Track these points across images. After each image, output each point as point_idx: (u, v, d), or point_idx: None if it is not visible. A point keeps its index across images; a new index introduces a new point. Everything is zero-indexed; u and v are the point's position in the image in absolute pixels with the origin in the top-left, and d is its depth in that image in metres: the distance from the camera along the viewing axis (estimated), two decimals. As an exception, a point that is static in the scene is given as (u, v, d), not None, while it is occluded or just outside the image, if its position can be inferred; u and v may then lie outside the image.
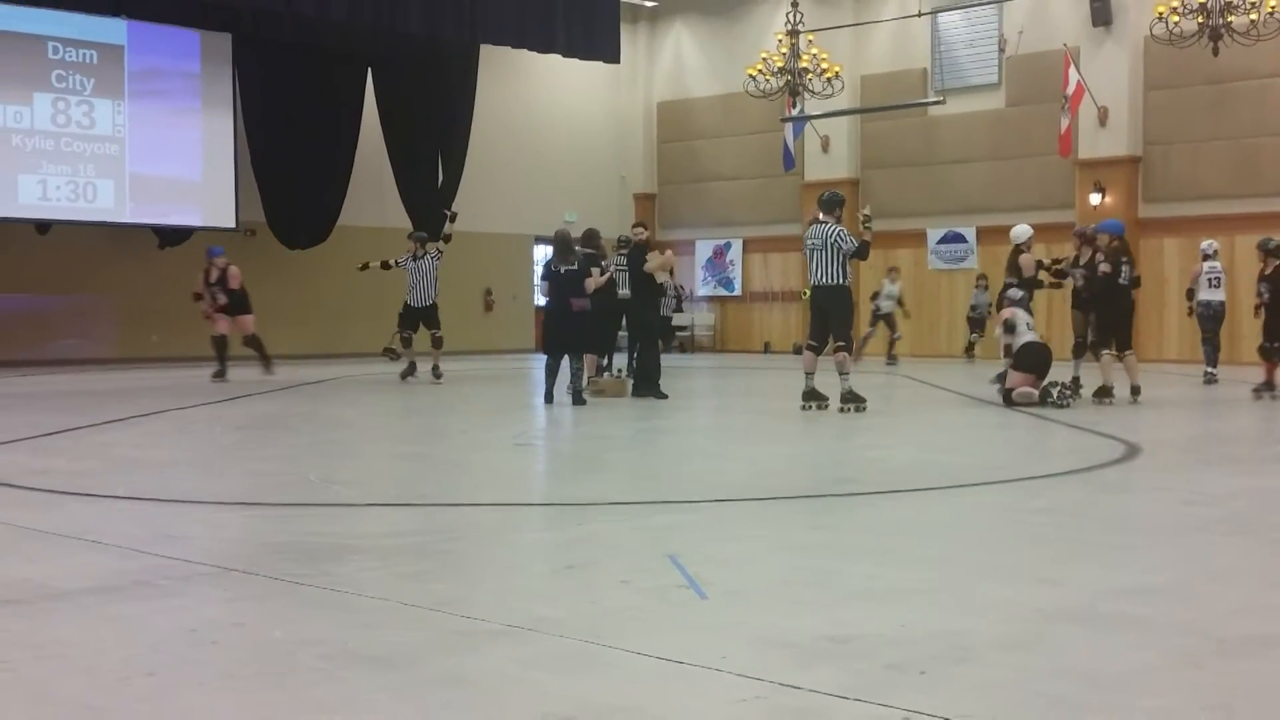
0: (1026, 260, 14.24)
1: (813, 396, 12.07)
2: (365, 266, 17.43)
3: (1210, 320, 15.70)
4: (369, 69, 23.84)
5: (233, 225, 22.07)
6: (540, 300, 27.92)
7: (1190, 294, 15.73)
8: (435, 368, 16.62)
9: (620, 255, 14.65)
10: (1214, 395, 14.45)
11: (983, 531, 6.10)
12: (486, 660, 3.68)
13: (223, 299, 16.71)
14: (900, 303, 21.94)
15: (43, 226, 20.70)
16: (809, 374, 12.22)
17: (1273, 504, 6.84)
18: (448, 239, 17.02)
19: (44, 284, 20.95)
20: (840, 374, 11.92)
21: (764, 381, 17.66)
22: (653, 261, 14.07)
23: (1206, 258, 15.75)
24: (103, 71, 21.05)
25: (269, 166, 22.66)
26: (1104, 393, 12.73)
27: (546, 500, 7.56)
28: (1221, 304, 15.78)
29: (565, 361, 13.25)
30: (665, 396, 13.56)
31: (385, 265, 16.94)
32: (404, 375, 16.85)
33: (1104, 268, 12.78)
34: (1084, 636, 3.94)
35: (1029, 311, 13.23)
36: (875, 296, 21.97)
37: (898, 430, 11.13)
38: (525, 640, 3.88)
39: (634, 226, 15.91)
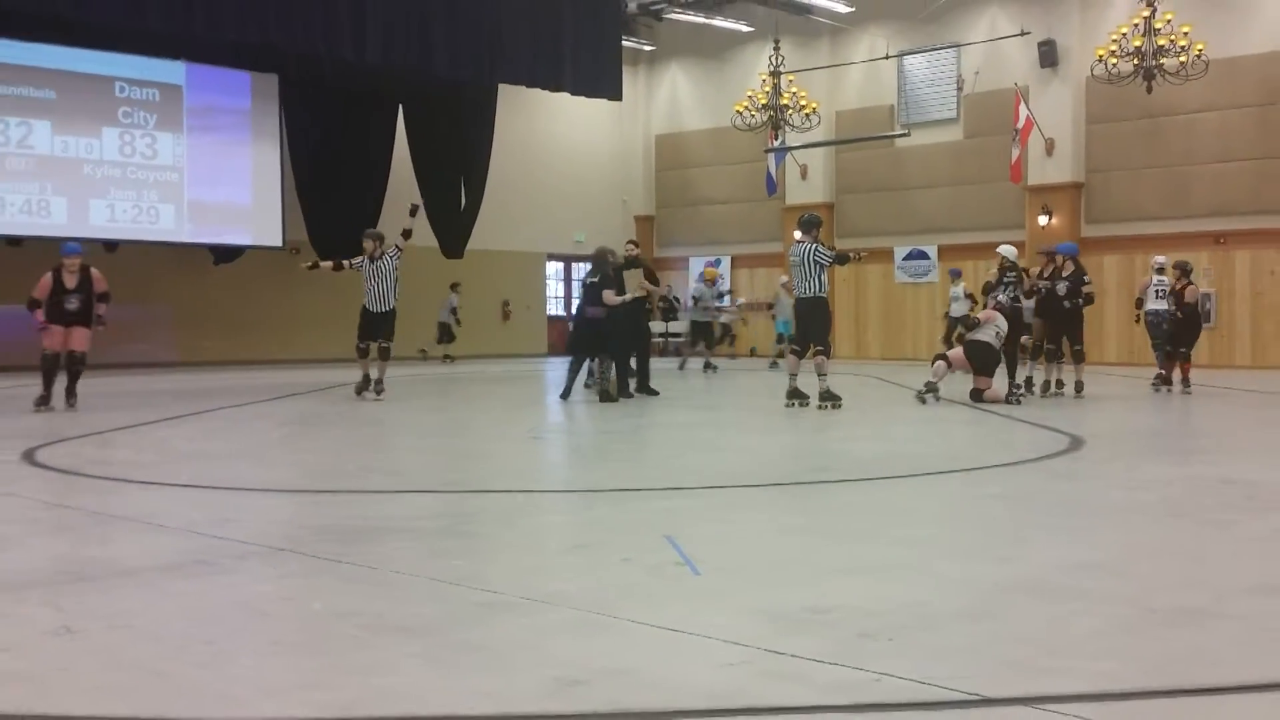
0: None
1: (795, 395, 12.07)
2: (315, 265, 14.17)
3: (1156, 328, 15.74)
4: (400, 106, 23.84)
5: (279, 244, 22.08)
6: (553, 310, 28.40)
7: (1139, 303, 15.73)
8: (378, 382, 13.29)
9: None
10: (1147, 392, 14.43)
11: (945, 515, 6.10)
12: (503, 629, 3.67)
13: (74, 304, 11.83)
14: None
15: (111, 245, 20.66)
16: (792, 375, 12.23)
17: (1201, 489, 6.83)
18: (407, 235, 13.42)
19: (112, 296, 20.90)
20: (819, 375, 11.92)
21: (751, 382, 17.64)
22: (629, 283, 13.76)
23: (1158, 271, 15.75)
24: (164, 108, 21.06)
25: (311, 192, 22.66)
26: (1058, 386, 13.65)
27: (558, 487, 7.55)
28: (1167, 313, 15.81)
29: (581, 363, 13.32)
30: (656, 393, 13.58)
31: (337, 266, 13.48)
32: (359, 390, 13.42)
33: (1042, 284, 13.59)
34: (1037, 607, 3.93)
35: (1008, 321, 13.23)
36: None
37: (869, 425, 11.12)
38: (537, 611, 3.87)
39: (627, 243, 15.70)
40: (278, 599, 4.14)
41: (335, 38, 18.78)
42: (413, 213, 13.72)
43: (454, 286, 24.24)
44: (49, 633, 3.62)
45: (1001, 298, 13.13)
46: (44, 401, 11.71)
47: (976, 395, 12.61)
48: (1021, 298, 13.46)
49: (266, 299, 22.55)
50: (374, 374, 13.31)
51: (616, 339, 13.26)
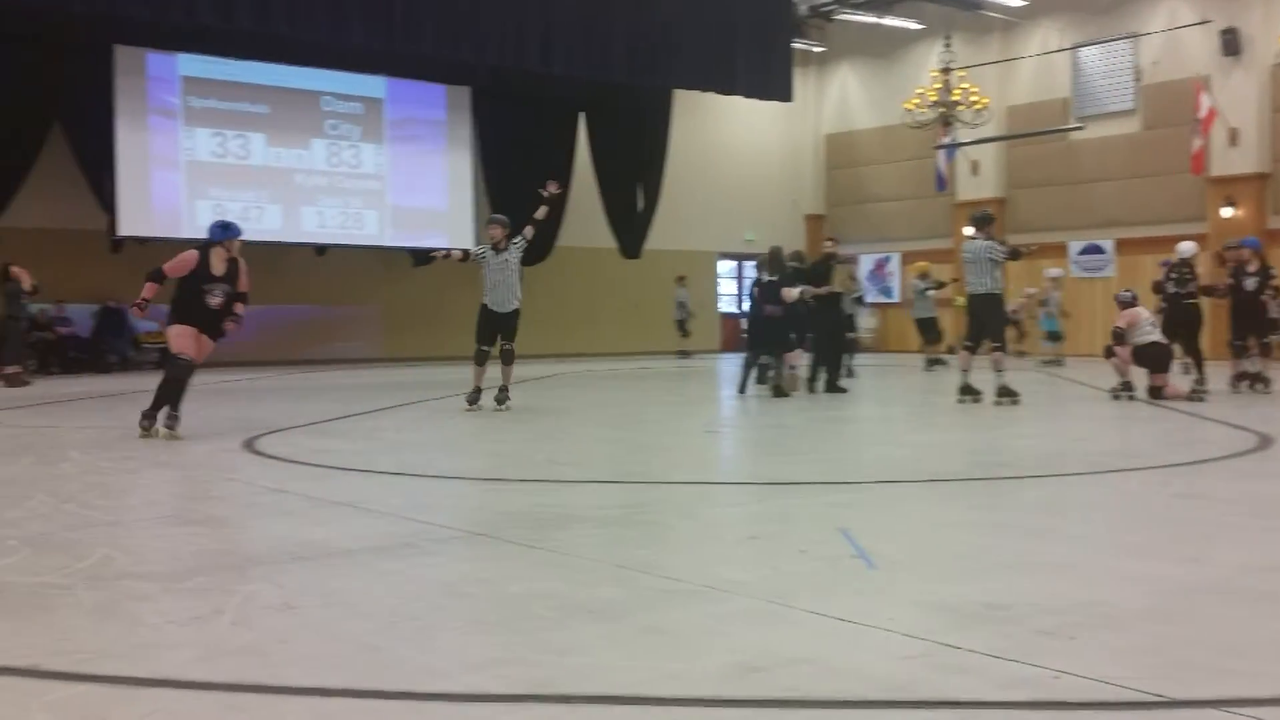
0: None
1: (968, 391, 11.75)
2: (446, 255, 11.81)
3: None
4: (581, 114, 24.20)
5: (473, 246, 22.75)
6: (725, 308, 28.35)
7: None
8: (503, 390, 11.23)
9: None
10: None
11: (1125, 513, 5.84)
12: (684, 615, 3.69)
13: (218, 298, 8.89)
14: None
15: (320, 249, 21.69)
16: (964, 371, 11.91)
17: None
18: (537, 225, 10.97)
19: (322, 296, 21.95)
20: (996, 370, 11.57)
21: (922, 379, 17.25)
22: (790, 292, 13.48)
23: None
24: (367, 120, 21.94)
25: (501, 197, 23.20)
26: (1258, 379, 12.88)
27: (734, 479, 7.55)
28: None
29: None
30: (844, 391, 13.35)
31: (465, 256, 11.70)
32: (471, 401, 11.19)
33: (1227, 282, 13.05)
34: (1224, 609, 3.73)
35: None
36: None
37: (1045, 421, 10.71)
38: (717, 599, 3.88)
39: (826, 239, 15.24)
40: (476, 580, 4.26)
41: (523, 50, 19.23)
42: (547, 196, 11.07)
43: (680, 280, 24.41)
44: (271, 608, 3.81)
45: (1173, 288, 12.61)
46: (152, 426, 8.84)
47: (1156, 393, 11.99)
48: (1197, 293, 12.82)
49: (462, 298, 23.18)
50: (502, 380, 11.25)
51: (792, 335, 13.19)
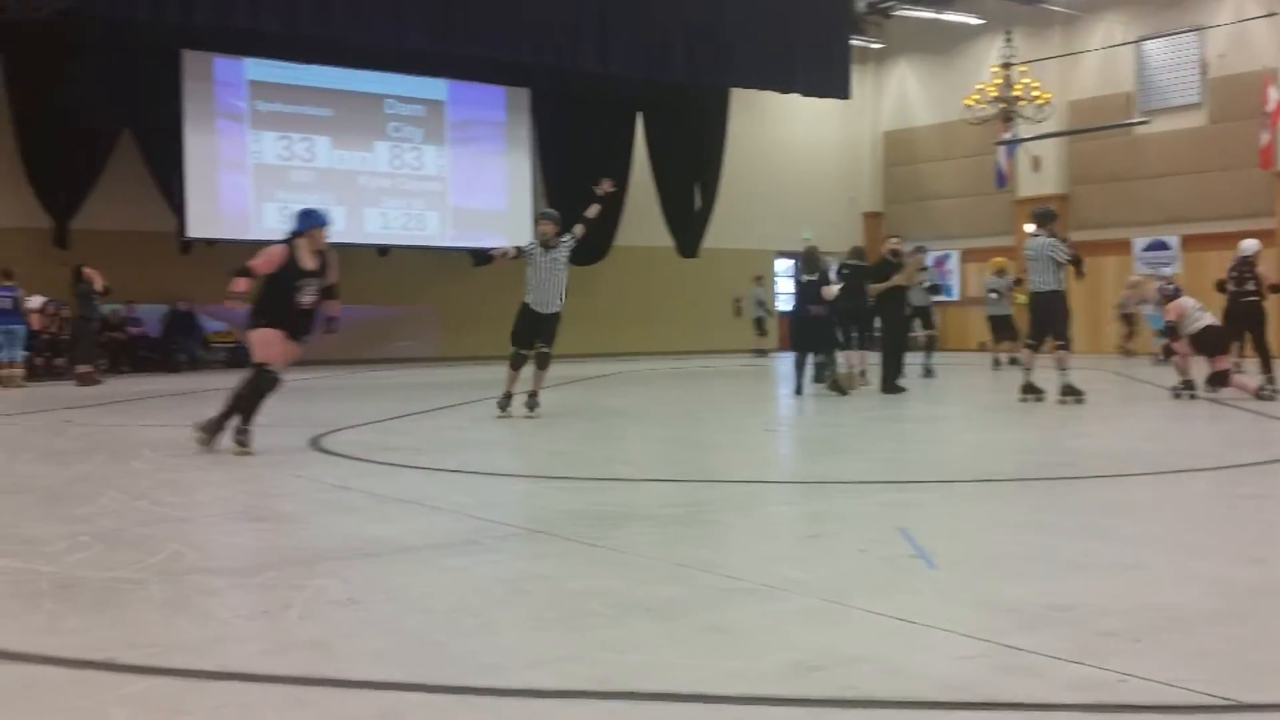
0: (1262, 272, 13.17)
1: (1030, 390, 11.59)
2: (491, 259, 11.39)
3: None
4: (639, 114, 24.22)
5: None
6: (784, 306, 28.19)
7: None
8: (533, 395, 10.49)
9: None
10: None
11: (1191, 514, 5.73)
12: (744, 613, 3.68)
13: (310, 296, 8.04)
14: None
15: (383, 250, 21.92)
16: (1027, 369, 11.75)
17: None
18: (588, 224, 10.62)
19: (384, 296, 22.15)
20: (1060, 369, 11.41)
21: (982, 378, 17.01)
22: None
23: None
24: (429, 122, 22.15)
25: (559, 197, 23.28)
26: None
27: (792, 478, 7.51)
28: None
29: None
30: (903, 390, 13.17)
31: (519, 252, 10.68)
32: (503, 405, 10.55)
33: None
34: (1291, 612, 3.65)
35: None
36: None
37: (1109, 420, 10.53)
38: (776, 598, 3.87)
39: (890, 238, 14.74)
40: (536, 577, 4.29)
41: (581, 51, 19.31)
42: (602, 194, 10.63)
43: (757, 280, 24.39)
44: (337, 603, 3.87)
45: (1232, 287, 12.42)
46: (214, 439, 7.92)
47: (1220, 380, 11.68)
48: (1260, 291, 12.54)
49: (519, 297, 23.32)
50: (532, 385, 10.54)
51: (843, 334, 13.23)
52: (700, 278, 25.26)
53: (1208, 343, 11.79)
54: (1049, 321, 11.43)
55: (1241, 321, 12.53)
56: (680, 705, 2.87)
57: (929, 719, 2.79)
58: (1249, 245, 12.88)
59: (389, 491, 6.27)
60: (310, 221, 7.91)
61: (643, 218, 24.37)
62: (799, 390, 12.96)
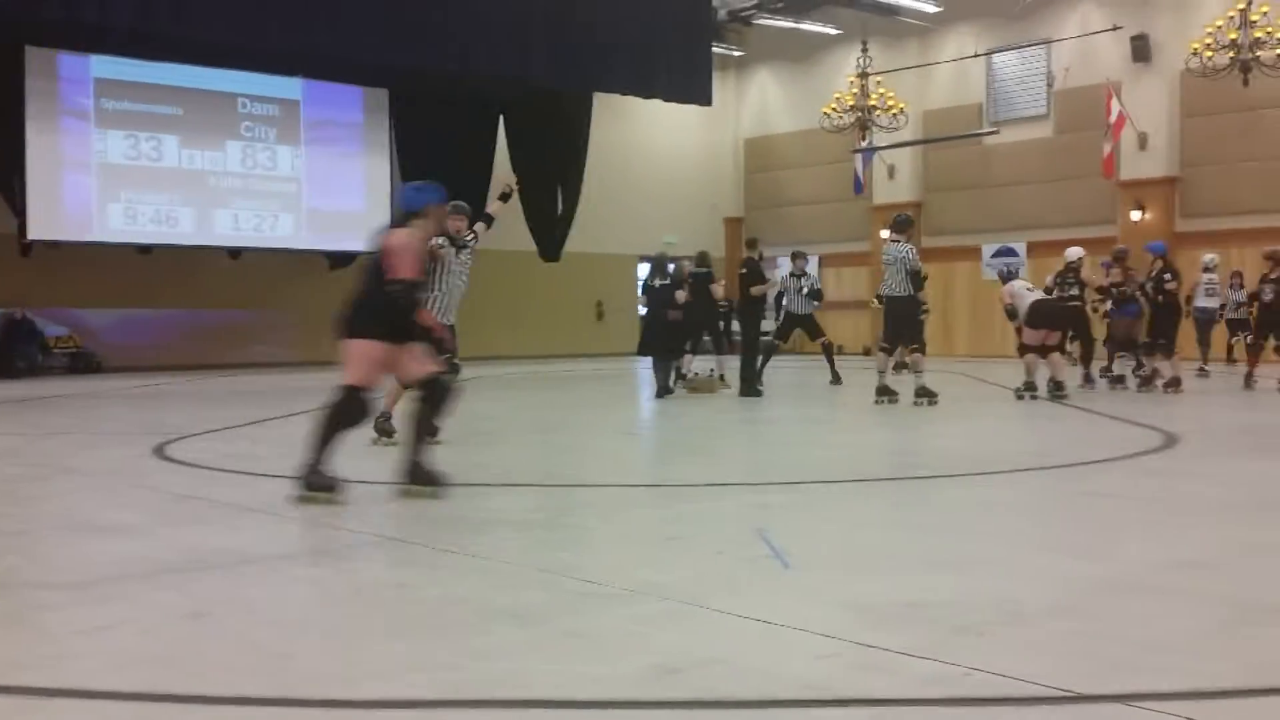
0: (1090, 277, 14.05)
1: (885, 392, 11.93)
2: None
3: (1204, 324, 15.66)
4: (501, 115, 24.08)
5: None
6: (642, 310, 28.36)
7: (1188, 300, 15.44)
8: (388, 417, 8.69)
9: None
10: (1237, 387, 13.94)
11: (1037, 512, 5.98)
12: (604, 618, 3.71)
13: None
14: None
15: (234, 252, 21.30)
16: (881, 372, 12.10)
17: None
18: (490, 222, 9.64)
19: (236, 300, 21.55)
20: (915, 371, 11.78)
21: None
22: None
23: (1206, 270, 15.62)
24: (283, 122, 21.61)
25: (419, 199, 23.02)
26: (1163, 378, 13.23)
27: (652, 482, 7.56)
28: (1213, 309, 15.66)
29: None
30: (760, 393, 13.38)
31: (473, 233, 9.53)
32: (382, 431, 8.67)
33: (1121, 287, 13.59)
34: (1130, 605, 3.83)
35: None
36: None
37: (959, 421, 10.91)
38: (636, 601, 3.90)
39: (747, 243, 14.61)
40: (392, 586, 4.23)
41: (441, 52, 19.07)
42: (504, 197, 9.88)
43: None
44: (182, 616, 3.75)
45: (1056, 293, 13.17)
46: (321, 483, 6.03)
47: (1051, 349, 12.44)
48: (1086, 297, 13.54)
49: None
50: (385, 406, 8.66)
51: (690, 338, 13.69)
52: (563, 282, 25.25)
53: (1040, 316, 12.49)
54: (904, 326, 11.80)
55: (1064, 323, 13.20)
56: (538, 711, 2.86)
57: (786, 718, 2.84)
58: (1073, 252, 13.71)
59: (237, 500, 6.12)
60: (435, 200, 6.45)
61: (504, 220, 24.03)
62: (660, 394, 13.08)
